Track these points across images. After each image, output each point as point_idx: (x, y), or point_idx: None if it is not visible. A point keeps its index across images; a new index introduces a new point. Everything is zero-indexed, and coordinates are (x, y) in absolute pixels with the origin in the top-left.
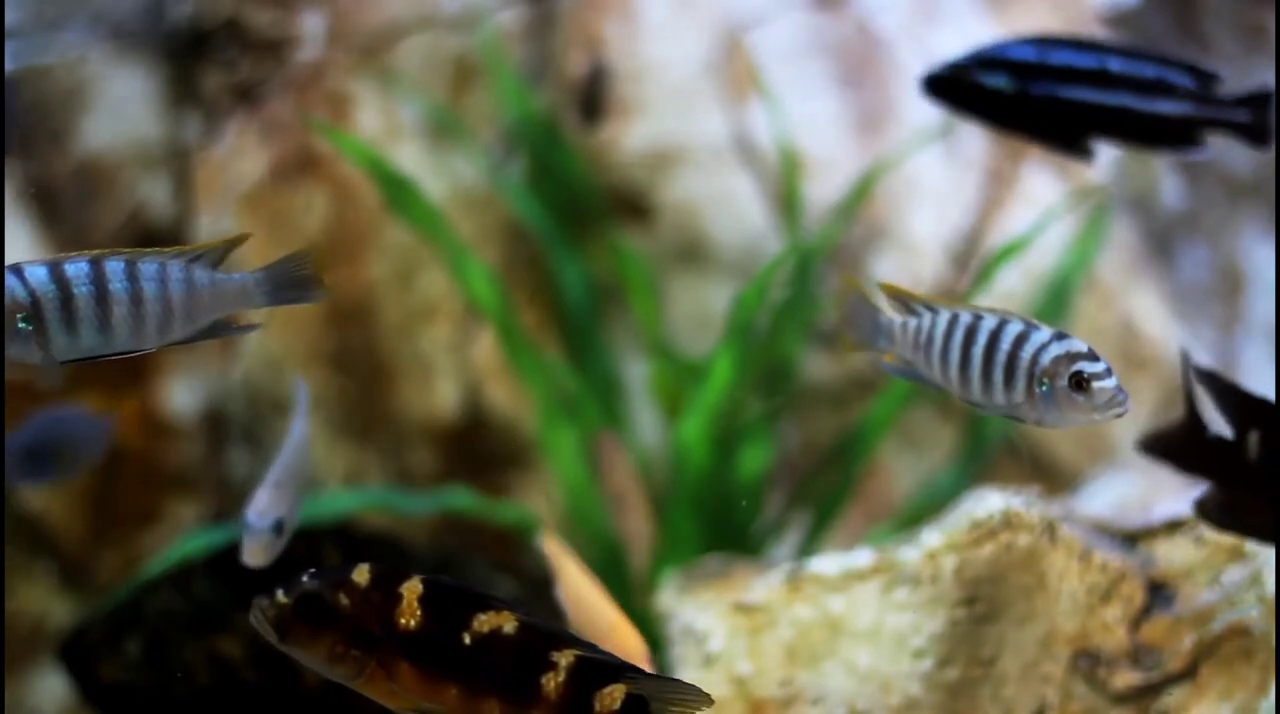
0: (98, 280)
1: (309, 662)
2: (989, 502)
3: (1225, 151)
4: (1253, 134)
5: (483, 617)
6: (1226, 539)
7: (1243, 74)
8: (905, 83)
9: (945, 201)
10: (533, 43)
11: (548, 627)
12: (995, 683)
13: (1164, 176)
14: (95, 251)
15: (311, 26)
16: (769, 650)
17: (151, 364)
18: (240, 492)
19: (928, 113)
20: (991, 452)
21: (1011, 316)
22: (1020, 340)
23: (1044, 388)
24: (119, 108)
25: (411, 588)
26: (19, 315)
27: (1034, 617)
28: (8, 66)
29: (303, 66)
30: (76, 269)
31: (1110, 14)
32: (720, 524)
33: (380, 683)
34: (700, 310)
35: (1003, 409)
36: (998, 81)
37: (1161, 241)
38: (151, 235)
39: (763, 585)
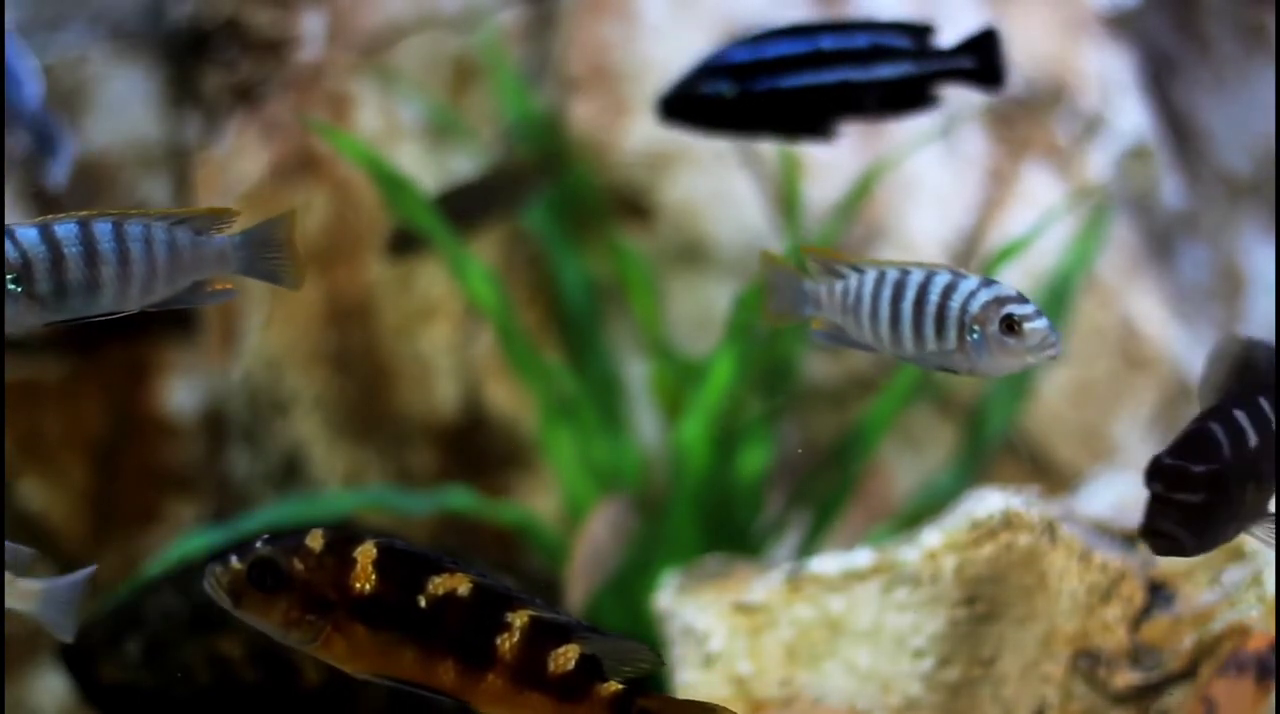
0: (87, 241)
1: (263, 627)
2: (989, 502)
3: (1225, 152)
4: (983, 77)
5: (437, 579)
6: None
7: (1243, 74)
8: None
9: (945, 201)
10: (533, 43)
11: (502, 587)
12: (995, 683)
13: (1164, 176)
14: (84, 212)
15: (311, 26)
16: (769, 650)
17: (152, 364)
18: (240, 492)
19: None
20: (991, 451)
21: (938, 268)
22: (949, 290)
23: (975, 335)
24: (119, 108)
25: (365, 552)
26: (10, 276)
27: (1034, 617)
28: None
29: (303, 66)
30: (66, 230)
31: (1110, 14)
32: (720, 524)
33: (336, 648)
34: (700, 310)
35: (935, 360)
36: (720, 88)
37: (1161, 241)
38: None
39: (763, 585)
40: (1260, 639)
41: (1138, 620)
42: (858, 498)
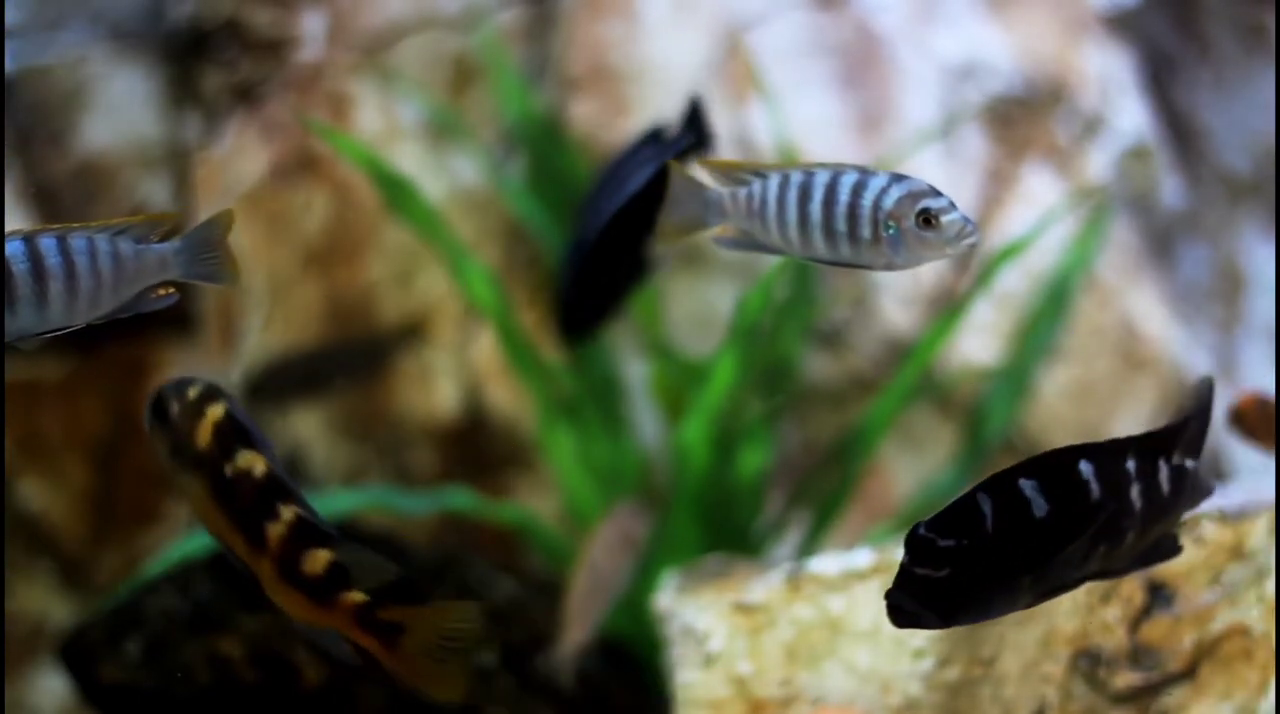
0: (33, 257)
1: (161, 458)
2: None
3: (1225, 152)
4: (699, 145)
5: (244, 453)
6: (1227, 539)
7: (1243, 74)
8: (905, 83)
9: None
10: (533, 43)
11: (287, 480)
12: (995, 683)
13: (1164, 176)
14: (28, 228)
15: (311, 26)
16: (769, 650)
17: (152, 364)
18: None
19: (928, 112)
20: (991, 451)
21: (845, 167)
22: (859, 188)
23: (891, 231)
24: (119, 108)
25: (214, 411)
26: None
27: (1034, 617)
28: (8, 66)
29: (303, 66)
30: (13, 248)
31: (1110, 14)
32: (720, 524)
33: (188, 493)
34: (700, 310)
35: (849, 259)
36: (567, 278)
37: (1161, 241)
38: None
39: (763, 585)
40: None
41: (1138, 620)
42: (858, 498)
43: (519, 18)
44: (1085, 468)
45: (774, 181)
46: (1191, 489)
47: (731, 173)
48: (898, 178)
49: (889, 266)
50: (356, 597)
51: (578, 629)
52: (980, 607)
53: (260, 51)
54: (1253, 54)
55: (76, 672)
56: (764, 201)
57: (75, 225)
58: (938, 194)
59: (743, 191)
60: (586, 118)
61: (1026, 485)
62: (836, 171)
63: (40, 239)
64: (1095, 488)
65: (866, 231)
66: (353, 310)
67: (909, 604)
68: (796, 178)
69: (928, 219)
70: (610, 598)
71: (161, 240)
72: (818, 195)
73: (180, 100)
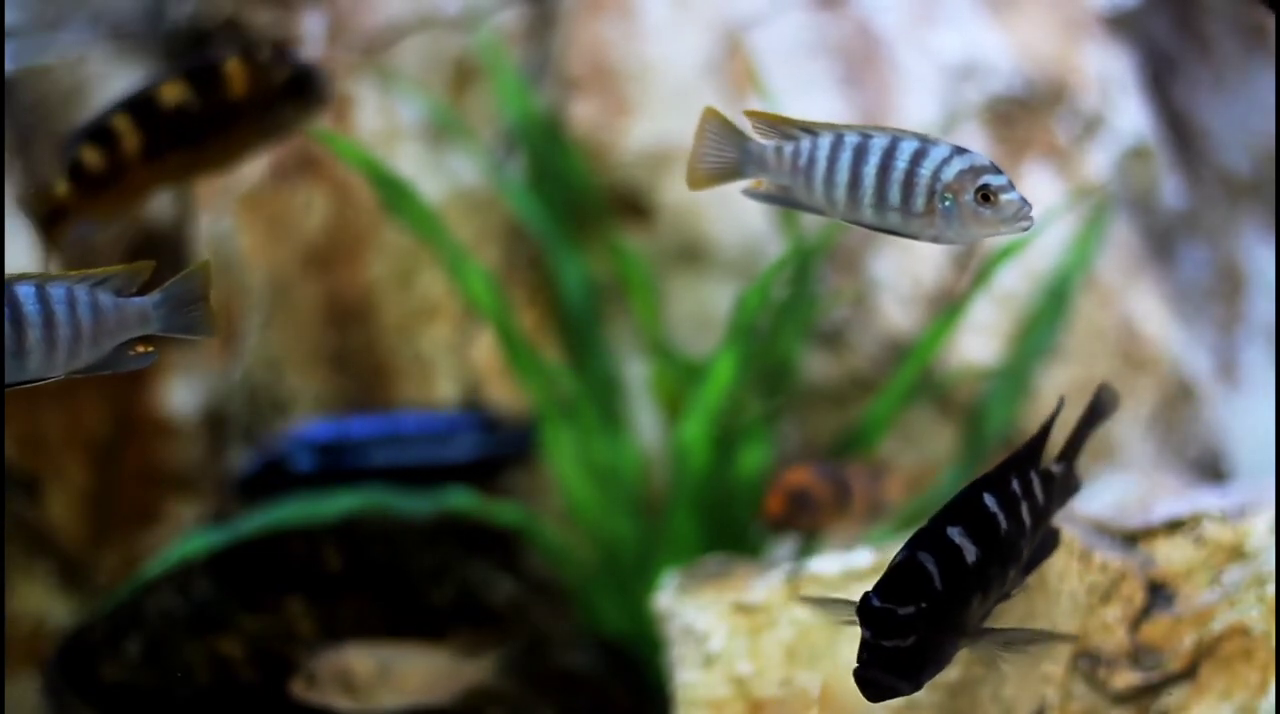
0: (12, 305)
1: None
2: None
3: (1225, 152)
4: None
5: None
6: (1226, 539)
7: (1243, 74)
8: (905, 83)
9: None
10: (533, 43)
11: None
12: (995, 683)
13: (1164, 176)
14: (6, 275)
15: (311, 26)
16: (769, 650)
17: (152, 364)
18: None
19: (928, 112)
20: (991, 451)
21: (904, 134)
22: (918, 156)
23: (946, 203)
24: None
25: None
26: None
27: (1034, 617)
28: (8, 66)
29: None
30: None
31: (1110, 14)
32: (720, 524)
33: None
34: (700, 310)
35: (895, 228)
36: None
37: (1161, 241)
38: (152, 236)
39: (763, 585)
40: None
41: (1138, 620)
42: None
43: (519, 18)
44: (990, 501)
45: (826, 140)
46: (1061, 490)
47: (778, 127)
48: (960, 150)
49: (936, 239)
50: None
51: None
52: (942, 660)
53: None
54: (1253, 54)
55: (76, 671)
56: (813, 159)
57: (54, 274)
58: (999, 171)
59: (789, 146)
60: (586, 118)
61: (954, 534)
62: (896, 137)
63: (18, 287)
64: (1001, 517)
65: (920, 201)
66: (353, 310)
67: (884, 679)
68: (851, 139)
69: (986, 195)
70: None
71: (140, 292)
72: (874, 159)
73: None
